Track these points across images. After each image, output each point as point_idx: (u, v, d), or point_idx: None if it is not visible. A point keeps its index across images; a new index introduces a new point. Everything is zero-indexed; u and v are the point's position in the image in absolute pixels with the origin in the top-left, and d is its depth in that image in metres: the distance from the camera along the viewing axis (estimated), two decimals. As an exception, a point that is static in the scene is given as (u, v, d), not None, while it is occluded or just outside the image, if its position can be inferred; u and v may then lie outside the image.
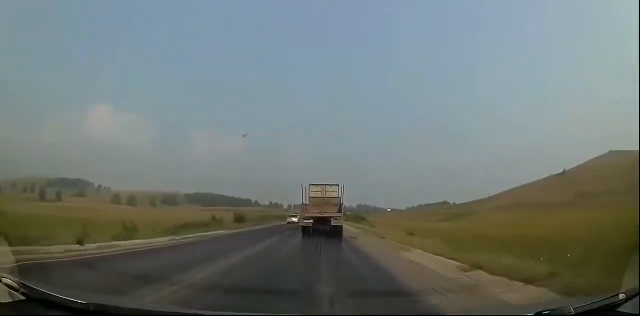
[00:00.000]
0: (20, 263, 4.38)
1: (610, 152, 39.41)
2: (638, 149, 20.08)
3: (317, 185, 22.45)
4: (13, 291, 2.28)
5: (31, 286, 2.35)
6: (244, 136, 32.18)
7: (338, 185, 22.48)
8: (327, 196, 22.13)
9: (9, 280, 2.30)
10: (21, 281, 2.34)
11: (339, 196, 22.24)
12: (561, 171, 39.70)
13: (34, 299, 2.32)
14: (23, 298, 2.29)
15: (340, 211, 22.03)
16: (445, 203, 56.43)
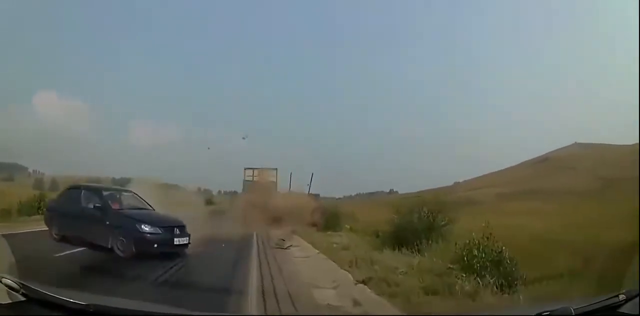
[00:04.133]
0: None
1: (575, 144, 38.95)
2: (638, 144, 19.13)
3: (252, 168, 20.83)
4: (13, 292, 2.26)
5: (31, 286, 2.33)
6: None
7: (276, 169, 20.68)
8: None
9: (8, 280, 2.28)
10: (21, 282, 2.32)
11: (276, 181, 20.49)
12: (542, 156, 38.42)
13: (33, 299, 2.30)
14: (23, 298, 2.28)
15: None
16: (392, 191, 45.92)
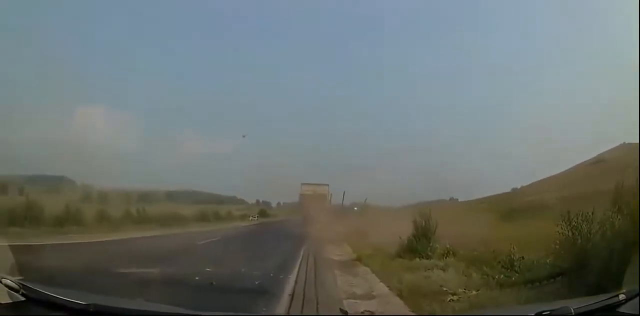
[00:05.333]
0: None
1: (624, 144, 38.51)
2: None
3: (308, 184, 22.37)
4: (13, 292, 2.22)
5: (31, 286, 2.30)
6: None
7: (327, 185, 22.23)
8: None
9: (9, 280, 2.24)
10: (21, 282, 2.29)
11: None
12: (594, 158, 37.57)
13: (33, 299, 2.27)
14: (23, 298, 2.25)
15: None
16: (452, 199, 40.76)
